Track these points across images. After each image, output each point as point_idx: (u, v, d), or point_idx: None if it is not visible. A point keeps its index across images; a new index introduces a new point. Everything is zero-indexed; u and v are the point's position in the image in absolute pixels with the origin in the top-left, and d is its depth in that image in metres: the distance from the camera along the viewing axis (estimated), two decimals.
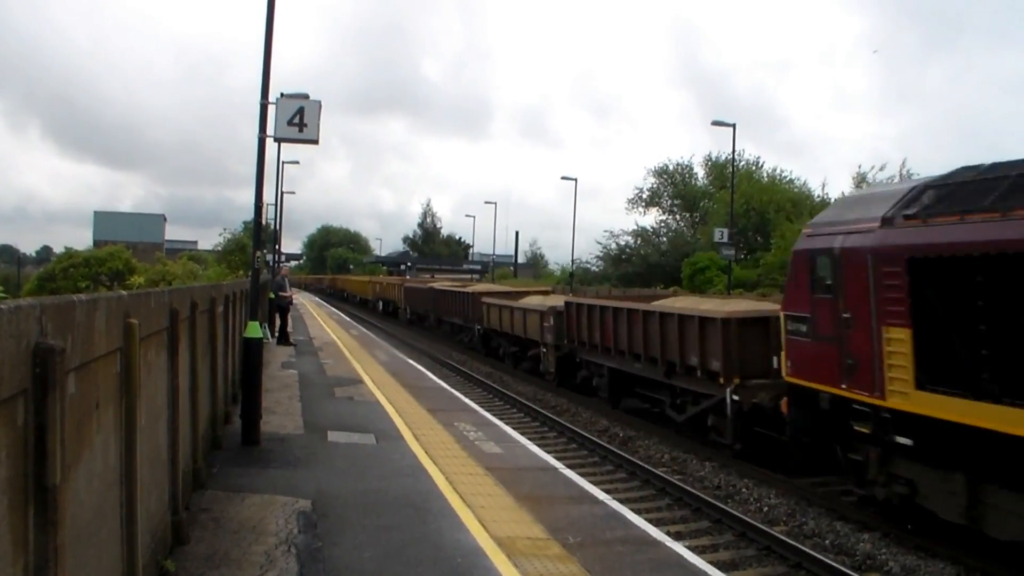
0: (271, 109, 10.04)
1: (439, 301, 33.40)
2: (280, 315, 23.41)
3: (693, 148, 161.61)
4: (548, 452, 11.18)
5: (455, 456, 9.92)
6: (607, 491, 9.34)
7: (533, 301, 23.32)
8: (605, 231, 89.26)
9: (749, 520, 9.28)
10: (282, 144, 17.37)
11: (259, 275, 10.94)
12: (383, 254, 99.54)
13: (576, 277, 51.77)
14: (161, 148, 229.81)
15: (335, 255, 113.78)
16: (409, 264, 77.04)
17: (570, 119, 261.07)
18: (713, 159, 60.19)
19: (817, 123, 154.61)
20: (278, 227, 36.69)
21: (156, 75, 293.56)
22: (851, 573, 7.70)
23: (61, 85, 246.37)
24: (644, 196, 62.13)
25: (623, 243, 55.57)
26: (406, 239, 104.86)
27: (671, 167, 61.94)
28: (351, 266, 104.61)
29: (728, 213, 38.51)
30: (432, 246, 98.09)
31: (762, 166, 57.84)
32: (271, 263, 27.35)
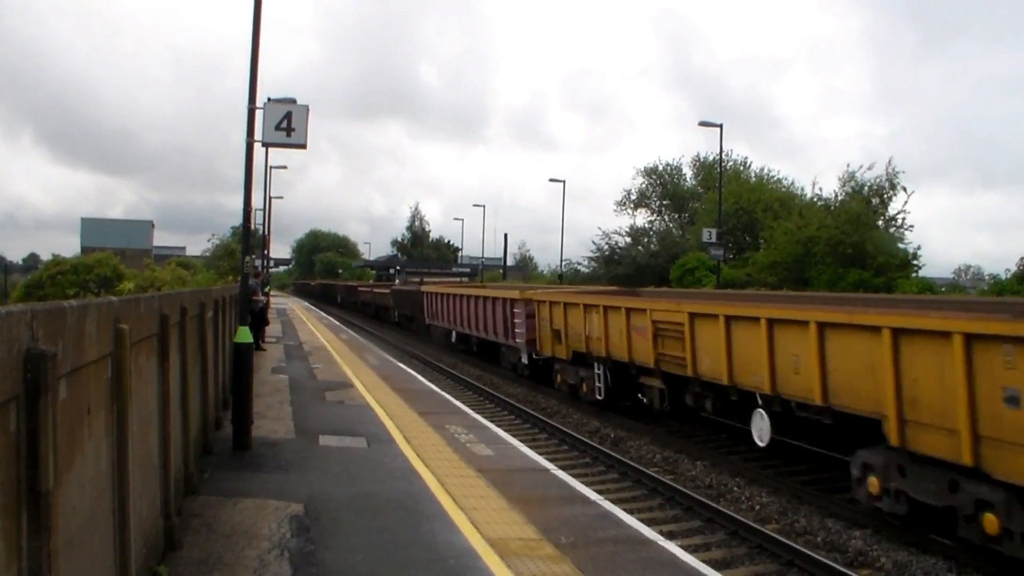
0: (258, 114, 10.03)
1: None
2: (254, 321, 23.41)
3: (685, 149, 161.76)
4: (539, 454, 11.20)
5: (447, 458, 9.93)
6: (599, 491, 9.36)
7: None
8: (599, 229, 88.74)
9: (741, 519, 9.31)
10: (272, 149, 17.36)
11: (248, 280, 10.90)
12: (372, 258, 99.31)
13: (565, 279, 51.82)
14: (154, 153, 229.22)
15: (324, 260, 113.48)
16: (398, 268, 76.61)
17: (563, 122, 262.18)
18: (701, 159, 60.38)
19: (811, 123, 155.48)
20: (266, 232, 36.63)
21: (151, 80, 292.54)
22: (843, 570, 7.72)
23: (55, 91, 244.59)
24: (632, 197, 62.24)
25: (614, 243, 55.59)
26: (395, 243, 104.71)
27: (660, 168, 62.12)
28: (339, 270, 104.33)
29: (717, 213, 38.63)
30: (421, 249, 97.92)
31: (750, 166, 58.07)
32: (261, 268, 27.25)
